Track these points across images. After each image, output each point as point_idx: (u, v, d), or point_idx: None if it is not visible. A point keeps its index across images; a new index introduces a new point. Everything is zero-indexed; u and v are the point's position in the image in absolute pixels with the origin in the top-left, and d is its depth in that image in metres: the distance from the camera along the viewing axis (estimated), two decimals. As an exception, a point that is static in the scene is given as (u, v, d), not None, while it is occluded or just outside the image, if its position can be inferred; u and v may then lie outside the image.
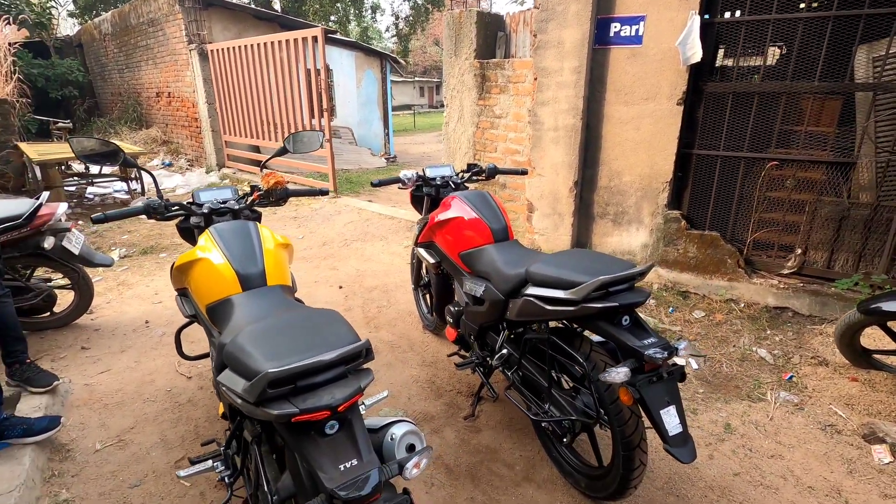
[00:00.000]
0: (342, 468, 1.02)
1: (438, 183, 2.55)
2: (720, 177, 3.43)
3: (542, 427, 1.94)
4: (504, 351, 2.00)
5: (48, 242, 2.80)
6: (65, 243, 2.88)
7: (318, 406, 1.02)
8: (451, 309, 2.42)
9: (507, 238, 2.20)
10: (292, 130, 6.95)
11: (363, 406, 1.59)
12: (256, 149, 8.37)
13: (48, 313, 3.17)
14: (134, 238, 5.19)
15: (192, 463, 1.48)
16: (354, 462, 1.04)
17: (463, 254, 2.23)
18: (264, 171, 2.10)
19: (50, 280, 3.26)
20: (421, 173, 2.54)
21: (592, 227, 3.91)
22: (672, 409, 1.46)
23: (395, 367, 2.84)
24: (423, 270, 3.08)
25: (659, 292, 3.56)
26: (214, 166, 8.55)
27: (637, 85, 3.44)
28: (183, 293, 1.92)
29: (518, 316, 1.84)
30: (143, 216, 1.86)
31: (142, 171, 6.94)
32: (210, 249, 1.70)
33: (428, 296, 3.15)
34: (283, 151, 2.13)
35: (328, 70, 10.24)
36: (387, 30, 29.64)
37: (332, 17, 17.99)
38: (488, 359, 2.25)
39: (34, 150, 5.99)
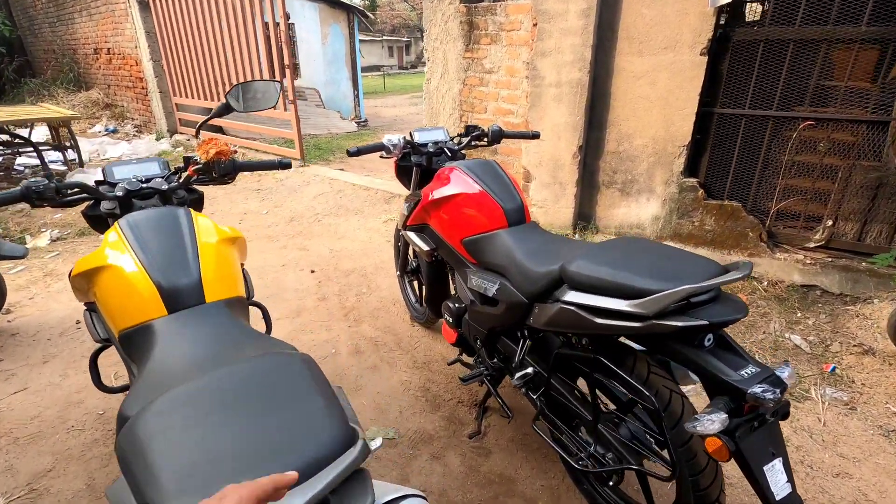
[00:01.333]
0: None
1: (431, 150, 2.05)
2: (744, 139, 3.03)
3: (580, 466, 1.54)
4: (528, 370, 1.57)
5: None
6: (-45, 232, 2.27)
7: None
8: (451, 306, 1.97)
9: (524, 220, 1.74)
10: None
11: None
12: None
13: (-53, 317, 2.58)
14: (69, 217, 4.49)
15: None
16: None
17: (467, 241, 1.76)
18: (201, 136, 1.56)
19: (-52, 276, 2.65)
20: (409, 138, 2.02)
21: (597, 198, 3.49)
22: (777, 464, 1.07)
23: (380, 371, 2.39)
24: (411, 254, 2.60)
25: (672, 270, 3.19)
26: (165, 132, 7.69)
27: (654, 32, 2.95)
28: (92, 308, 1.40)
29: (548, 325, 1.41)
30: (25, 204, 1.32)
31: (76, 140, 6.14)
32: (120, 251, 1.19)
33: (416, 282, 2.68)
34: (226, 109, 1.57)
35: (289, 23, 9.29)
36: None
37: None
38: (501, 368, 1.82)
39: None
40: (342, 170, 6.00)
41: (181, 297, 1.12)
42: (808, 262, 2.97)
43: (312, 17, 10.12)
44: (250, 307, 1.71)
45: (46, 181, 1.30)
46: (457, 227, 1.79)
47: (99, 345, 1.42)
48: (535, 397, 1.57)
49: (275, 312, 2.90)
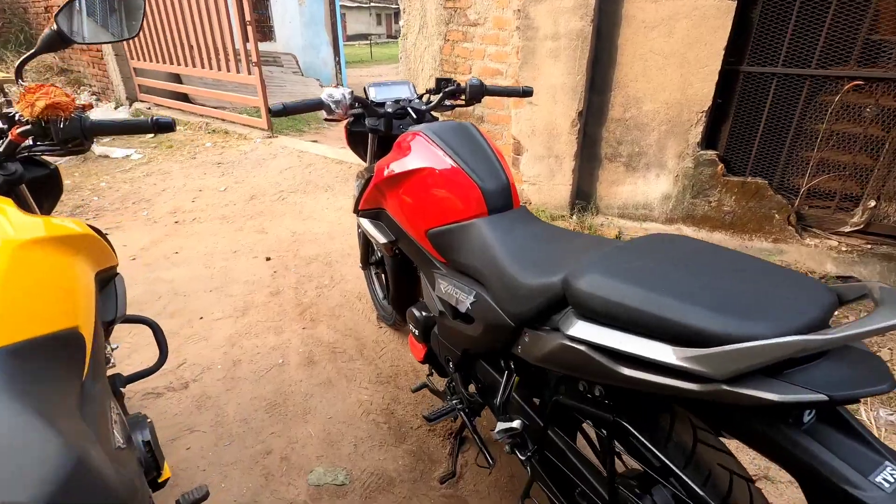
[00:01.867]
0: None
1: (389, 111, 1.55)
2: (773, 104, 2.55)
3: None
4: (514, 423, 1.11)
5: None
6: None
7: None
8: (417, 314, 1.51)
9: (511, 206, 1.27)
10: (218, 53, 5.55)
11: None
12: (177, 78, 6.88)
13: None
14: None
15: None
16: None
17: (434, 232, 1.29)
18: (23, 83, 1.05)
19: None
20: (359, 95, 1.52)
21: (598, 174, 3.01)
22: None
23: (335, 388, 1.95)
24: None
25: (684, 258, 2.76)
26: (124, 100, 7.02)
27: (672, -30, 2.43)
28: None
29: (544, 363, 0.96)
30: None
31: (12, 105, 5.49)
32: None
33: (383, 276, 2.22)
34: (58, 40, 1.05)
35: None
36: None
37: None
38: (480, 402, 1.38)
39: None
40: (315, 142, 5.44)
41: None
42: (844, 248, 2.55)
43: (287, -25, 9.33)
44: (139, 324, 1.25)
45: None
46: (420, 213, 1.32)
47: None
48: (524, 458, 1.12)
49: (216, 311, 2.43)
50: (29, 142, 1.05)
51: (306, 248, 3.08)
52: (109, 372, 1.70)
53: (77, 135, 1.03)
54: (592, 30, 2.61)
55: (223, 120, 6.05)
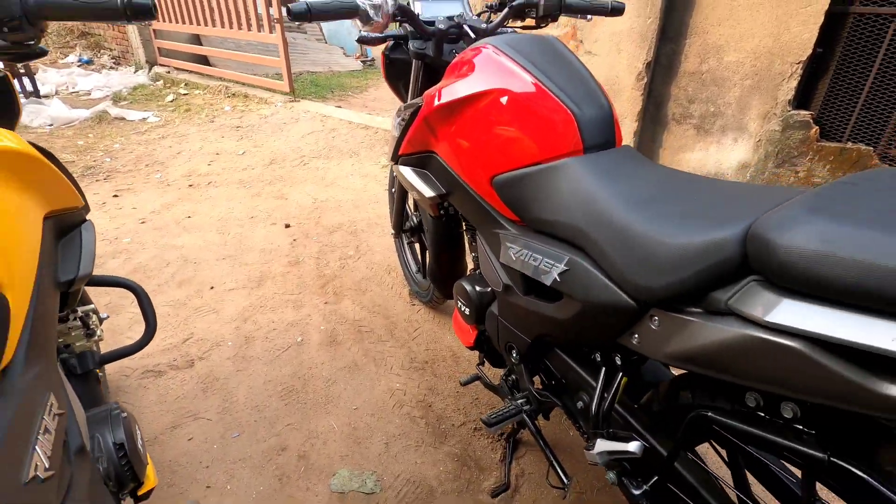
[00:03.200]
0: None
1: (442, 28, 1.21)
2: (888, 54, 2.12)
3: None
4: (631, 446, 0.79)
5: None
6: None
7: None
8: (468, 289, 1.19)
9: (614, 142, 0.93)
10: (240, 12, 5.23)
11: None
12: (198, 39, 6.60)
13: None
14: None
15: None
16: None
17: (503, 179, 0.96)
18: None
19: None
20: (405, 4, 1.18)
21: (663, 138, 2.62)
22: None
23: (363, 371, 1.66)
24: (410, 205, 1.81)
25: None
26: (144, 64, 6.78)
27: None
28: None
29: (697, 364, 0.63)
30: None
31: (30, 69, 5.28)
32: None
33: (419, 245, 1.91)
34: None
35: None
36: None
37: None
38: (553, 403, 1.07)
39: None
40: (339, 106, 5.11)
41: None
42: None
43: (312, -65, 8.87)
44: (118, 288, 0.97)
45: None
46: (486, 153, 0.99)
47: None
48: (637, 493, 0.80)
49: (228, 281, 2.16)
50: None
51: (329, 215, 2.79)
52: (102, 347, 1.41)
53: (14, 13, 0.72)
54: (671, -39, 2.20)
55: (243, 84, 5.76)
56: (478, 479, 1.31)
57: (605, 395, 0.84)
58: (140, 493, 0.85)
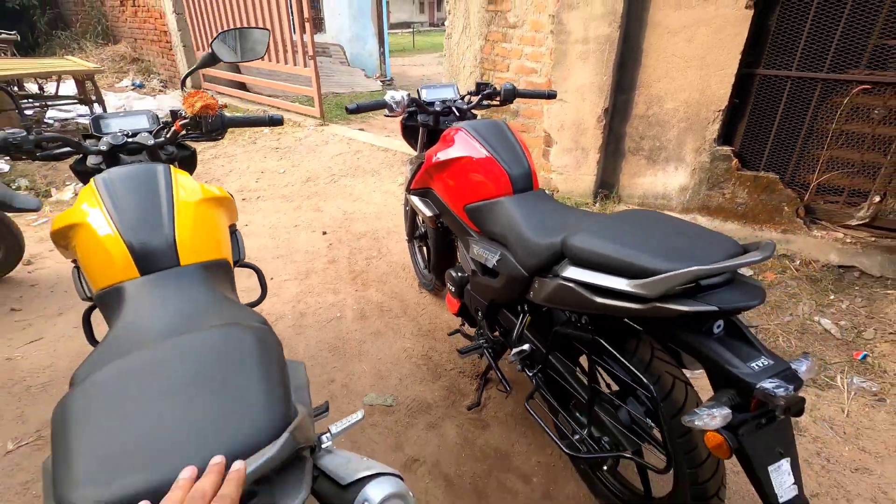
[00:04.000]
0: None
1: (437, 109, 1.92)
2: (787, 105, 2.77)
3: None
4: (525, 346, 1.49)
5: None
6: (-31, 183, 2.30)
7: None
8: (453, 275, 1.89)
9: (531, 187, 1.62)
10: (277, 47, 6.05)
11: (329, 435, 1.07)
12: (237, 68, 7.46)
13: (-32, 267, 2.65)
14: (93, 171, 4.55)
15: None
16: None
17: (470, 207, 1.66)
18: (185, 89, 1.48)
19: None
20: (415, 96, 1.90)
21: (621, 166, 3.29)
22: (784, 465, 0.97)
23: (383, 336, 2.36)
24: (419, 219, 2.51)
25: (697, 245, 3.01)
26: (189, 88, 7.66)
27: (695, -19, 2.68)
28: (77, 267, 1.38)
29: (547, 301, 1.32)
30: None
31: (100, 94, 6.17)
32: (94, 208, 1.14)
33: (425, 249, 2.61)
34: (211, 59, 1.48)
35: (314, -25, 8.97)
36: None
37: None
38: (501, 342, 1.75)
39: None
40: (362, 129, 5.87)
41: (153, 258, 1.07)
42: (849, 241, 2.76)
43: (338, -32, 9.76)
44: (245, 269, 1.67)
45: (25, 133, 1.26)
46: (460, 192, 1.69)
47: (89, 303, 1.40)
48: (531, 374, 1.50)
49: (283, 273, 2.89)
50: (183, 131, 1.48)
51: (357, 225, 3.51)
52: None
53: (218, 127, 1.45)
54: (619, 35, 2.88)
55: (278, 108, 6.57)
56: (460, 400, 1.99)
57: (519, 327, 1.53)
58: None
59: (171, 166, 1.29)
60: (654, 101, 3.03)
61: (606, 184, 3.38)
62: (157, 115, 1.51)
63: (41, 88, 6.26)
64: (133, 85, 8.12)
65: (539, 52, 3.33)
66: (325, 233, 3.40)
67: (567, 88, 3.17)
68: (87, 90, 6.04)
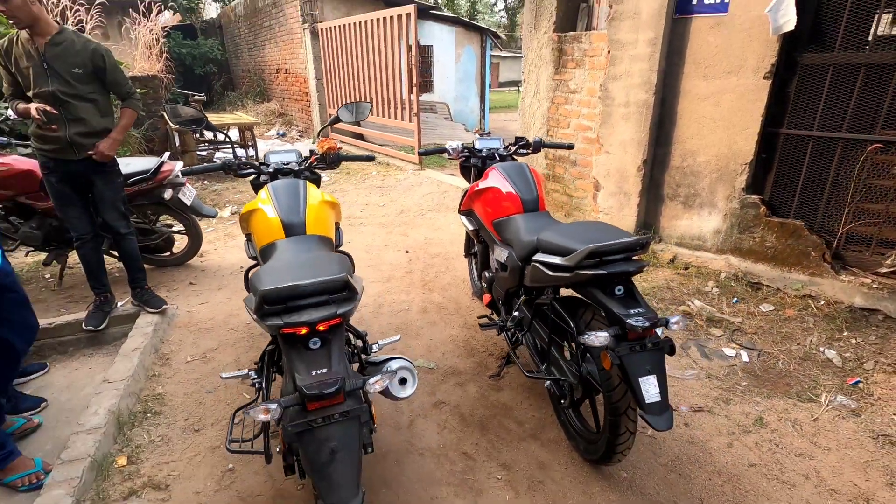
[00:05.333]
0: (314, 373, 1.26)
1: (484, 154, 2.67)
2: (811, 160, 3.10)
3: (550, 390, 2.03)
4: (517, 313, 2.12)
5: (167, 194, 3.41)
6: (180, 195, 3.48)
7: (296, 321, 1.26)
8: (486, 275, 2.56)
9: (538, 209, 2.27)
10: (391, 105, 7.36)
11: (377, 345, 1.82)
12: (358, 123, 8.97)
13: (168, 253, 3.87)
14: (244, 198, 5.96)
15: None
16: (324, 371, 1.27)
17: (495, 222, 2.35)
18: (320, 137, 2.39)
19: (171, 226, 3.95)
20: (468, 144, 2.67)
21: (661, 209, 3.74)
22: (652, 379, 1.50)
23: (437, 325, 3.06)
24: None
25: (727, 281, 3.34)
26: (318, 138, 9.33)
27: (719, 57, 3.19)
28: (248, 238, 2.29)
29: (530, 282, 1.95)
30: (222, 171, 2.25)
31: (255, 140, 7.88)
32: (266, 202, 2.03)
33: (476, 263, 3.30)
34: (335, 120, 2.40)
35: (427, 46, 10.50)
36: (495, 3, 29.19)
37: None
38: (516, 320, 2.37)
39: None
40: (452, 174, 6.82)
41: (293, 229, 1.91)
42: (876, 286, 2.94)
43: (449, 40, 11.27)
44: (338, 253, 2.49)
45: (234, 160, 2.22)
46: (491, 211, 2.39)
47: (252, 262, 2.30)
48: (520, 335, 2.11)
49: (371, 277, 3.74)
50: (315, 162, 2.38)
51: (433, 248, 4.31)
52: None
53: (335, 160, 2.33)
54: (655, 100, 3.44)
55: (386, 155, 7.82)
56: (484, 371, 2.59)
57: (518, 303, 2.15)
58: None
59: (307, 181, 2.17)
60: (688, 154, 3.50)
61: (648, 225, 3.83)
62: (300, 153, 2.43)
63: (214, 136, 8.16)
64: (278, 134, 10.04)
65: (593, 112, 3.98)
66: (407, 252, 4.23)
67: (612, 143, 3.75)
68: (247, 137, 7.78)
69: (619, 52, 3.54)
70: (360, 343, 1.86)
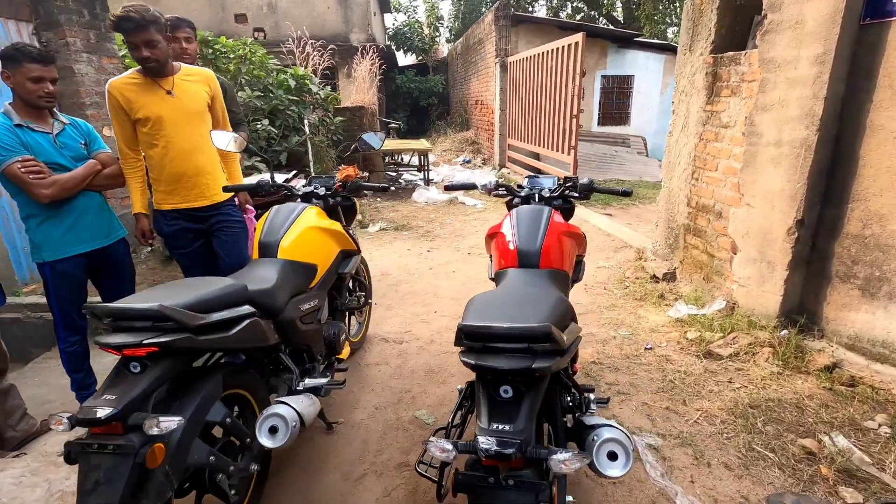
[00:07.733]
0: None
1: (523, 194, 2.30)
2: None
3: None
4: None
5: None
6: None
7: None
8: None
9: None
10: (563, 136, 7.05)
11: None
12: (536, 155, 8.86)
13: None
14: (397, 217, 6.49)
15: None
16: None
17: (497, 273, 2.00)
18: (341, 166, 2.43)
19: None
20: (500, 181, 2.35)
21: (826, 293, 2.62)
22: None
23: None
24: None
25: (916, 421, 2.12)
26: (497, 165, 9.55)
27: (935, 78, 2.09)
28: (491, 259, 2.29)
29: None
30: (254, 191, 2.48)
31: (429, 164, 8.53)
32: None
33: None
34: (356, 149, 2.41)
35: (628, 76, 9.77)
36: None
37: (668, 20, 16.72)
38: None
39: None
40: (609, 215, 6.12)
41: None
42: None
43: (656, 69, 10.24)
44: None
45: (269, 182, 2.43)
46: (497, 259, 2.05)
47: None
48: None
49: (449, 311, 3.61)
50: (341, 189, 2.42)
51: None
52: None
53: (355, 189, 2.33)
54: (818, 138, 2.44)
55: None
56: (479, 445, 2.22)
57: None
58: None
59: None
60: (873, 218, 2.37)
61: (804, 309, 2.72)
62: (333, 177, 2.50)
63: (401, 159, 9.15)
64: (463, 161, 10.67)
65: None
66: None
67: (755, 193, 2.80)
68: (423, 162, 8.50)
69: (772, 75, 2.65)
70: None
